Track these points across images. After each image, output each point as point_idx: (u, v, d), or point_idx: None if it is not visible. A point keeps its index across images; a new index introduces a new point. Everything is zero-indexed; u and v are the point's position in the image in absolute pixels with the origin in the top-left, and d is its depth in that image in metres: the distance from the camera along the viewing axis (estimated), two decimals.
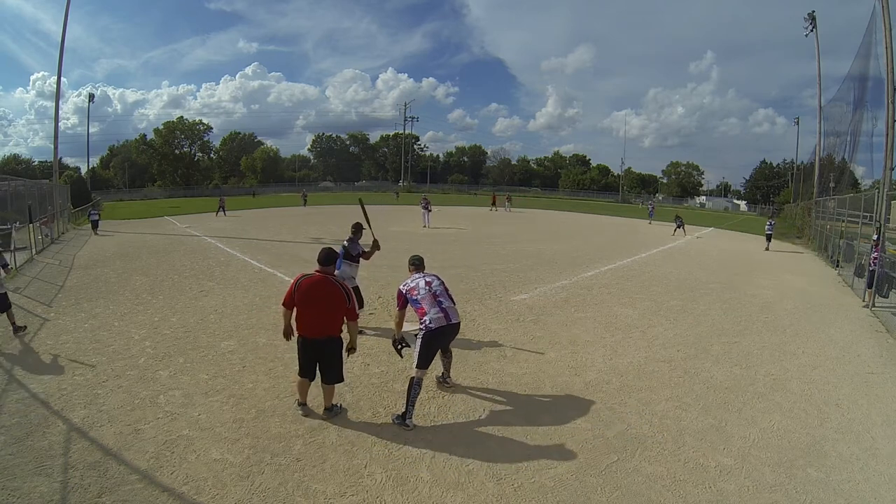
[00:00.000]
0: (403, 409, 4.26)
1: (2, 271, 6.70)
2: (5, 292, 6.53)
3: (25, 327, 6.64)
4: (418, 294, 4.55)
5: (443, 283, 4.77)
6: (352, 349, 4.40)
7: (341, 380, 4.39)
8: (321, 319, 4.17)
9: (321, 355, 4.25)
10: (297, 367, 4.38)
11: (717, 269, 13.50)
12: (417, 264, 4.98)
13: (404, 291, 4.62)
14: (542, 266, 12.64)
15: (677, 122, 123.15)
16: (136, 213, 30.94)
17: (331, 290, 4.18)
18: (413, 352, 4.48)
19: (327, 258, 4.31)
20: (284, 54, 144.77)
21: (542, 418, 4.48)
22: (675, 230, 22.85)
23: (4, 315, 6.51)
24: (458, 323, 4.58)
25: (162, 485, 3.37)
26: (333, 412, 4.42)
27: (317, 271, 4.28)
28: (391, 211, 32.23)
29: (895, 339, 7.41)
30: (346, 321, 4.32)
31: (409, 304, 4.61)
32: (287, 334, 4.35)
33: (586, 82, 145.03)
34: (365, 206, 7.38)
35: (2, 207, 13.97)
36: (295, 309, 4.22)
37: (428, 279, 4.70)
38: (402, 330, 4.83)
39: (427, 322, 4.39)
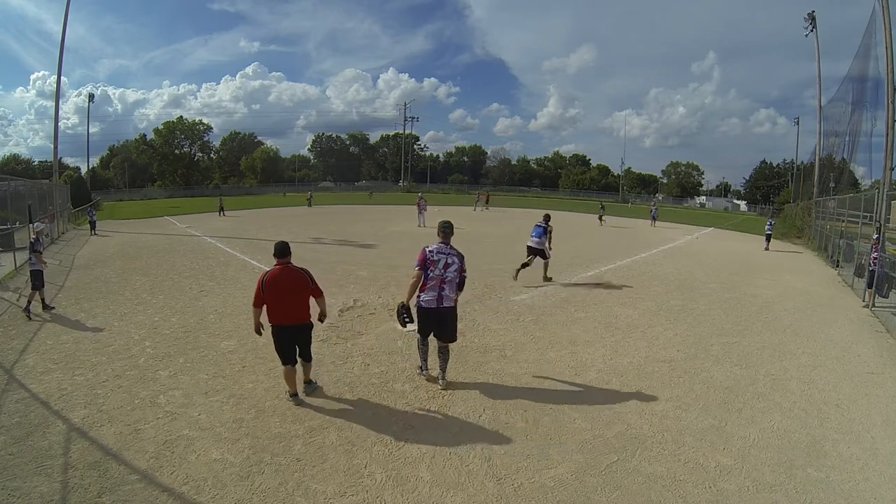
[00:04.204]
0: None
1: (40, 244, 8.07)
2: (42, 270, 7.70)
3: (54, 307, 7.86)
4: (433, 271, 4.75)
5: (460, 267, 4.86)
6: (322, 317, 4.87)
7: (311, 356, 4.80)
8: (293, 306, 4.49)
9: (298, 339, 4.59)
10: (281, 360, 4.58)
11: (717, 268, 13.50)
12: (447, 231, 4.99)
13: (426, 257, 4.80)
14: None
15: (678, 122, 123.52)
16: (135, 213, 30.94)
17: (295, 276, 4.54)
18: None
19: (282, 251, 4.59)
20: (286, 54, 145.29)
21: (542, 418, 4.48)
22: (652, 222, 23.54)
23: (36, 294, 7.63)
24: (449, 307, 4.83)
25: (162, 485, 3.37)
26: (312, 387, 4.84)
27: (276, 264, 4.56)
28: (389, 211, 32.24)
29: (895, 339, 7.41)
30: (314, 299, 4.67)
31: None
32: (258, 330, 4.63)
33: (588, 82, 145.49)
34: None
35: (2, 207, 13.96)
36: (265, 305, 4.50)
37: (449, 261, 4.80)
38: (405, 329, 4.97)
39: (422, 299, 4.80)
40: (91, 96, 57.22)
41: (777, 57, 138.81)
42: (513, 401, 4.81)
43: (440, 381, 5.07)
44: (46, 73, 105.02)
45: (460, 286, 4.95)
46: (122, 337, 6.47)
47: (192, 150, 78.12)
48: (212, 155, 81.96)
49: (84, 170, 58.63)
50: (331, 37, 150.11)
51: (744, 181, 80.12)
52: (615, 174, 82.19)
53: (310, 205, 37.03)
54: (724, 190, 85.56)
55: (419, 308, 4.82)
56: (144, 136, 75.42)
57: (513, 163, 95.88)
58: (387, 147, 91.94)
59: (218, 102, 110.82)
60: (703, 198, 79.33)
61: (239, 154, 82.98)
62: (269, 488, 3.37)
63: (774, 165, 74.07)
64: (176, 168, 74.47)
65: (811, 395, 5.23)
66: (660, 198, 70.36)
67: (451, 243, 5.00)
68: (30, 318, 7.18)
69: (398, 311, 4.81)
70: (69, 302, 8.29)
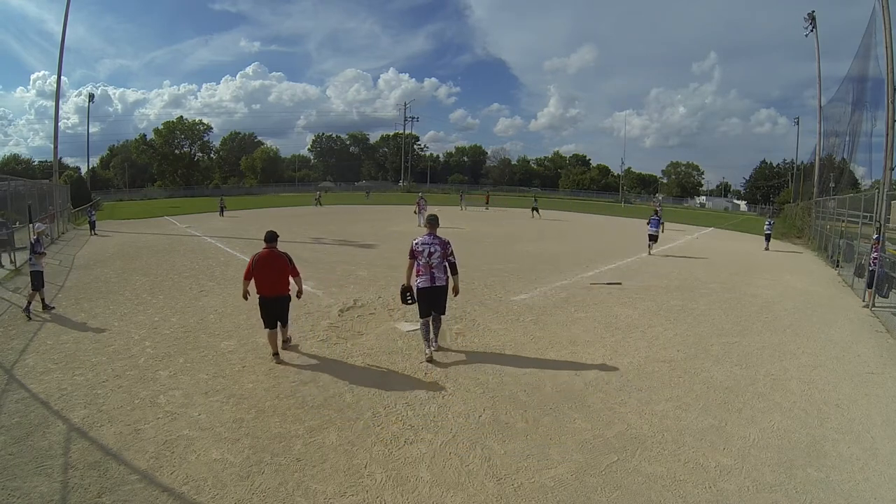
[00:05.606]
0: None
1: (41, 245, 8.09)
2: (42, 271, 7.72)
3: (54, 307, 7.87)
4: (421, 260, 5.56)
5: (445, 252, 5.56)
6: (299, 294, 5.98)
7: (287, 321, 5.95)
8: (275, 281, 5.59)
9: (277, 308, 5.65)
10: (264, 324, 5.63)
11: (717, 268, 13.50)
12: (432, 223, 5.80)
13: (413, 249, 5.67)
14: (542, 266, 12.63)
15: (679, 122, 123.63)
16: (135, 213, 30.94)
17: (278, 258, 5.66)
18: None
19: (271, 238, 5.69)
20: (286, 54, 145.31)
21: (542, 418, 4.48)
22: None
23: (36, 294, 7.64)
24: (441, 286, 5.61)
25: (162, 485, 3.37)
26: (289, 343, 6.04)
27: (264, 248, 5.63)
28: (389, 211, 32.23)
29: (895, 339, 7.41)
30: (292, 278, 5.77)
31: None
32: (245, 296, 5.72)
33: (588, 82, 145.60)
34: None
35: (2, 207, 13.97)
36: (254, 278, 5.58)
37: (432, 250, 5.54)
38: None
39: (418, 282, 5.62)
40: (91, 96, 57.28)
41: (777, 57, 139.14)
42: (513, 401, 4.81)
43: (433, 345, 5.81)
44: (47, 72, 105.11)
45: (452, 270, 5.66)
46: (122, 337, 6.47)
47: (192, 150, 78.11)
48: (212, 155, 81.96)
49: (84, 170, 58.69)
50: (331, 37, 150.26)
51: (744, 181, 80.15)
52: (615, 174, 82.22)
53: (319, 204, 36.97)
54: (724, 190, 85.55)
55: (418, 290, 5.63)
56: (144, 136, 75.50)
57: (513, 163, 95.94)
58: (387, 147, 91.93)
59: (218, 102, 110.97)
60: (703, 198, 79.32)
61: (239, 154, 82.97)
62: (269, 488, 3.37)
63: (774, 165, 74.04)
64: (176, 168, 74.46)
65: (811, 395, 5.23)
66: (660, 198, 69.17)
67: (440, 234, 5.73)
68: (30, 318, 7.19)
69: (402, 291, 5.71)
70: (69, 302, 8.29)
